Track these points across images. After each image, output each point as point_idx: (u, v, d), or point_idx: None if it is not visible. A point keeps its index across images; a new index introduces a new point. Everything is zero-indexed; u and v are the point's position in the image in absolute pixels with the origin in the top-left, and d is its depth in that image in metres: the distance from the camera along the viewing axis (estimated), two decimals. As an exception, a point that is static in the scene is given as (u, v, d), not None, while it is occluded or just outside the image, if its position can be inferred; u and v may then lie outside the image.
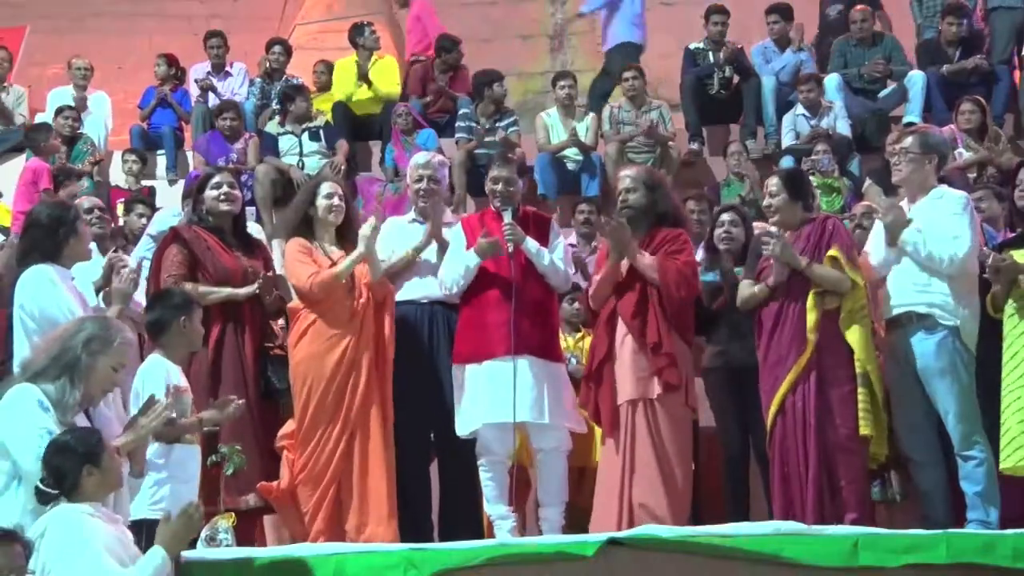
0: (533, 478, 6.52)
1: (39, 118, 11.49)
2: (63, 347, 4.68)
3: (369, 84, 11.15)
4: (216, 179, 6.51)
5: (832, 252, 6.07)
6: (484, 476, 6.19)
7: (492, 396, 6.07)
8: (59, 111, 11.13)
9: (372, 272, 6.27)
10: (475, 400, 6.14)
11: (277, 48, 11.80)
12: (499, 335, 6.11)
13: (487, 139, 10.42)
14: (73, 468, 4.34)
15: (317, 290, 6.14)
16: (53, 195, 9.91)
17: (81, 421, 4.68)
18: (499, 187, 6.37)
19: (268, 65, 11.67)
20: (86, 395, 4.69)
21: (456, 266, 6.31)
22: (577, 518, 6.36)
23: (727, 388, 6.51)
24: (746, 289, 6.29)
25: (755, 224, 7.24)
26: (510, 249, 6.19)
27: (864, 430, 5.99)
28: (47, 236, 5.57)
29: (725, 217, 6.83)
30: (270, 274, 6.42)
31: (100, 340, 4.69)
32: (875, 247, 6.26)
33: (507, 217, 6.26)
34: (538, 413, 6.08)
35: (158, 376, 5.42)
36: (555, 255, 6.34)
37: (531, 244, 6.27)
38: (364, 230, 6.24)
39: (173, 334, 5.58)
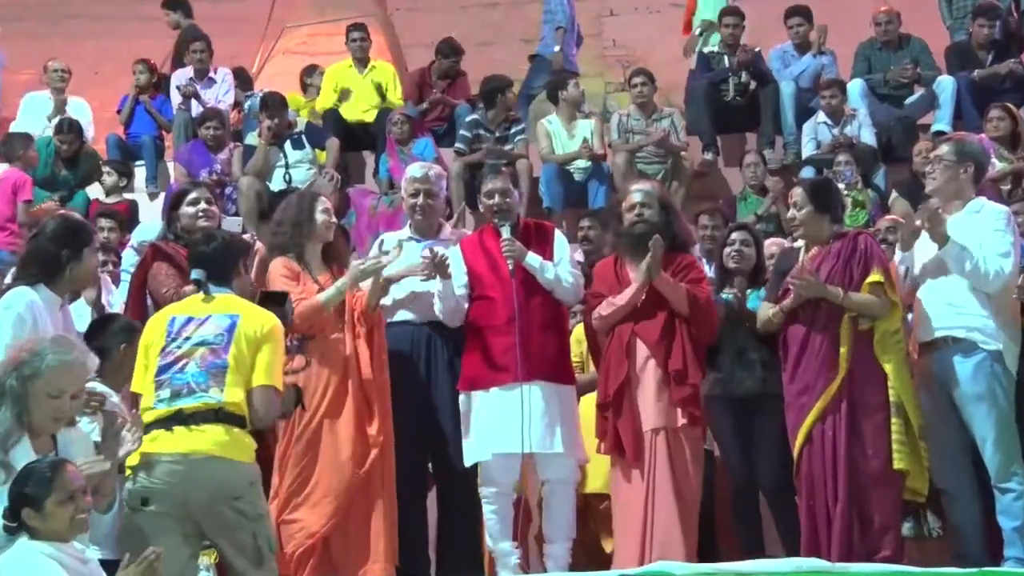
0: (534, 510, 6.50)
1: (13, 126, 11.40)
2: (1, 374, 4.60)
3: (383, 98, 11.14)
4: (193, 195, 6.46)
5: (876, 277, 6.01)
6: (487, 509, 6.15)
7: (500, 425, 6.02)
8: (58, 129, 11.01)
9: (368, 303, 6.17)
10: (483, 429, 6.10)
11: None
12: (505, 360, 6.07)
13: (481, 147, 10.37)
14: (15, 507, 4.24)
15: (298, 320, 5.98)
16: (29, 207, 9.89)
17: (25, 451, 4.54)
18: (494, 201, 6.35)
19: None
20: (32, 426, 4.57)
21: (439, 296, 6.28)
22: (579, 553, 6.32)
23: (730, 417, 6.46)
24: (764, 312, 6.27)
25: (771, 241, 7.19)
26: (511, 266, 6.14)
27: (898, 464, 5.93)
28: (46, 253, 5.42)
29: (736, 236, 6.79)
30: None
31: (29, 364, 4.58)
32: (910, 262, 6.19)
33: (505, 233, 6.22)
34: (549, 442, 6.04)
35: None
36: (560, 267, 6.30)
37: (532, 259, 6.23)
38: (358, 268, 6.16)
39: (113, 363, 5.48)
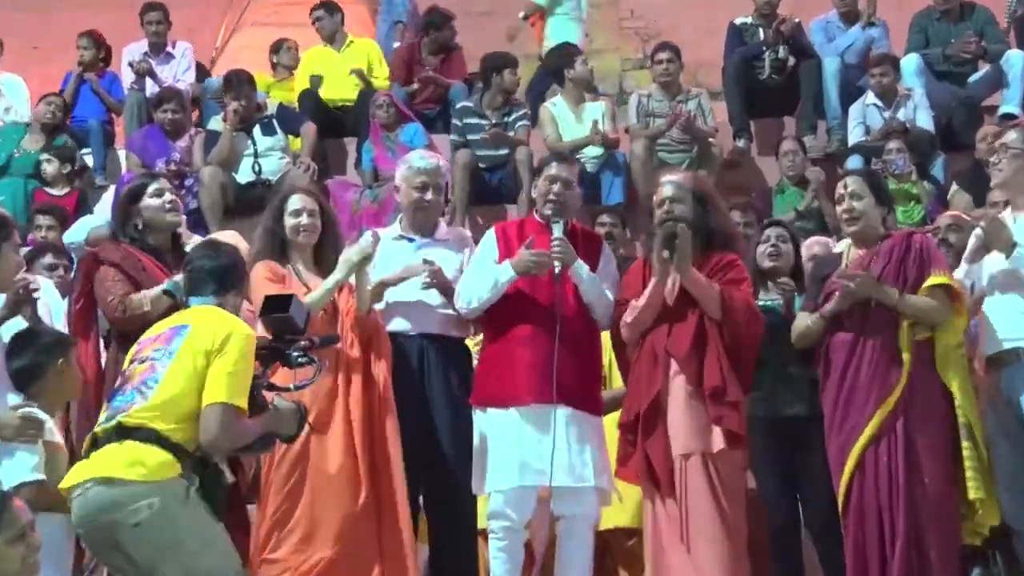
0: (537, 550, 6.48)
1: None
2: None
3: (369, 85, 11.16)
4: (155, 186, 6.45)
5: (939, 279, 6.01)
6: (495, 547, 6.12)
7: (525, 452, 6.01)
8: (43, 96, 11.11)
9: (359, 302, 6.22)
10: (502, 455, 6.08)
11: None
12: (532, 377, 6.06)
13: (472, 137, 10.41)
14: None
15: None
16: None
17: None
18: (556, 188, 6.32)
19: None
20: None
21: (483, 279, 6.25)
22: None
23: (772, 443, 6.47)
24: (801, 321, 6.27)
25: (812, 240, 7.21)
26: (557, 270, 6.15)
27: (974, 493, 5.92)
28: None
29: (771, 232, 6.84)
30: None
31: None
32: (976, 276, 6.20)
33: (557, 231, 6.20)
34: (581, 473, 6.03)
35: None
36: (604, 283, 6.31)
37: (582, 267, 6.23)
38: (351, 254, 6.19)
39: (48, 381, 5.52)
